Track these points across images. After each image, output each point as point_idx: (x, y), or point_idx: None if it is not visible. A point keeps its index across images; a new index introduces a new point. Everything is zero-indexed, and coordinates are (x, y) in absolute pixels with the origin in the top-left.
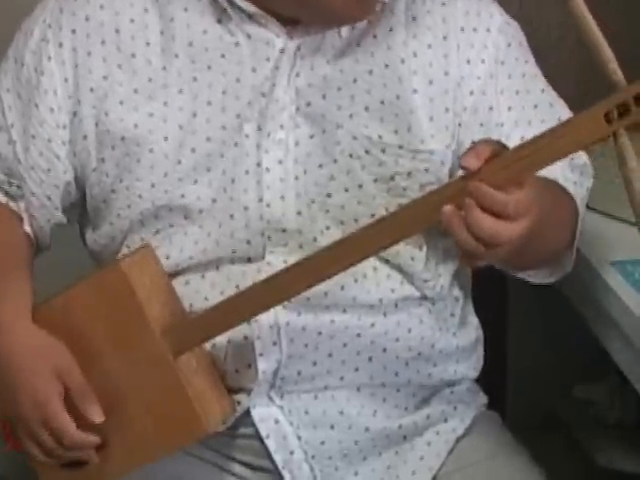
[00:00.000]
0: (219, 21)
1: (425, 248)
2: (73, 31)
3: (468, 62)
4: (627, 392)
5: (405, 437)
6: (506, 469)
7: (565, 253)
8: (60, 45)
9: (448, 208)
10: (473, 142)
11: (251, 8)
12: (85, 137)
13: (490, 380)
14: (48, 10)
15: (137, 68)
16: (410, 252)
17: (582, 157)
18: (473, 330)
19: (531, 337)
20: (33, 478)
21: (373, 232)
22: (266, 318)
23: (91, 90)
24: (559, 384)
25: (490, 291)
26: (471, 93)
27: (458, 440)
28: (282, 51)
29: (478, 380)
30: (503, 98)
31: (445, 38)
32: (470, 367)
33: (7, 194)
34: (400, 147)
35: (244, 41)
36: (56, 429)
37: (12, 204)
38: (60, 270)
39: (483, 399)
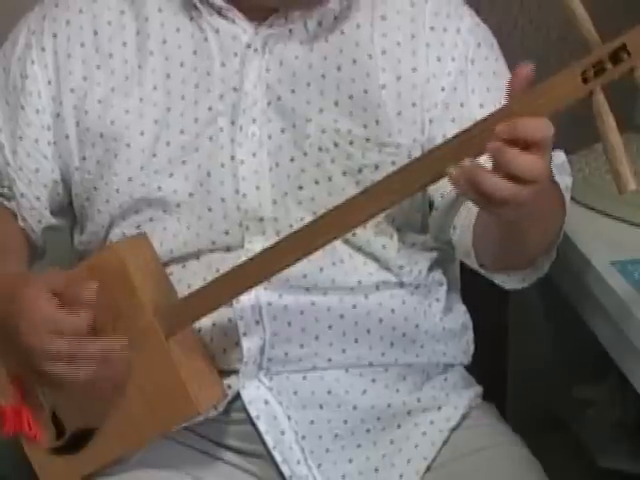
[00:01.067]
0: (191, 18)
1: (396, 236)
2: (54, 35)
3: (439, 59)
4: (627, 392)
5: (399, 425)
6: (502, 460)
7: (541, 258)
8: (42, 49)
9: (466, 162)
10: (444, 137)
11: (219, 2)
12: (67, 137)
13: (490, 380)
14: (32, 18)
15: (114, 68)
16: (381, 241)
17: (560, 156)
18: (460, 315)
19: (531, 337)
20: (33, 478)
21: (364, 198)
22: (247, 300)
23: (72, 91)
24: (559, 384)
25: (490, 291)
26: (442, 89)
27: (453, 430)
28: (248, 46)
29: (478, 380)
30: (474, 96)
31: (413, 36)
32: (459, 350)
33: (1, 194)
34: (367, 140)
35: (212, 36)
36: (66, 323)
37: (6, 203)
38: None
39: (478, 390)
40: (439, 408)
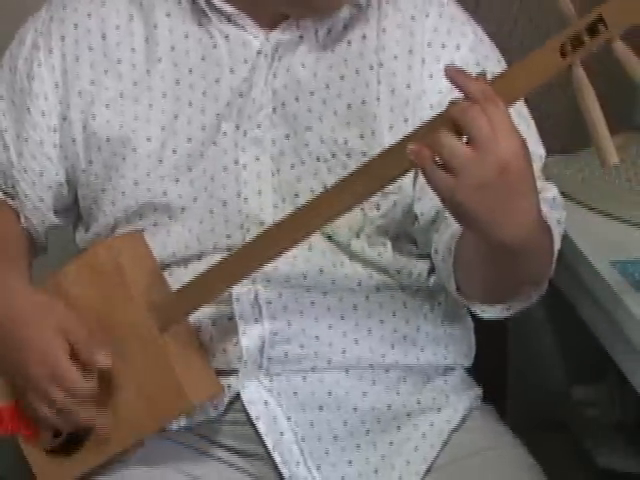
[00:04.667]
0: (199, 24)
1: (390, 245)
2: (62, 38)
3: (431, 76)
4: (627, 392)
5: (399, 427)
6: (501, 461)
7: (536, 285)
8: (50, 51)
9: (412, 145)
10: None
11: (229, 9)
12: (74, 140)
13: (490, 380)
14: (39, 19)
15: (123, 73)
16: (375, 250)
17: (552, 190)
18: (462, 318)
19: (531, 337)
20: (31, 478)
21: (346, 185)
22: (247, 299)
23: (79, 94)
24: (559, 384)
25: None
26: (430, 107)
27: (453, 432)
28: (259, 52)
29: (478, 380)
30: None
31: (410, 52)
32: (461, 353)
33: (5, 193)
34: (363, 154)
35: (222, 42)
36: (65, 380)
37: (10, 201)
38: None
39: (477, 391)
40: (439, 410)
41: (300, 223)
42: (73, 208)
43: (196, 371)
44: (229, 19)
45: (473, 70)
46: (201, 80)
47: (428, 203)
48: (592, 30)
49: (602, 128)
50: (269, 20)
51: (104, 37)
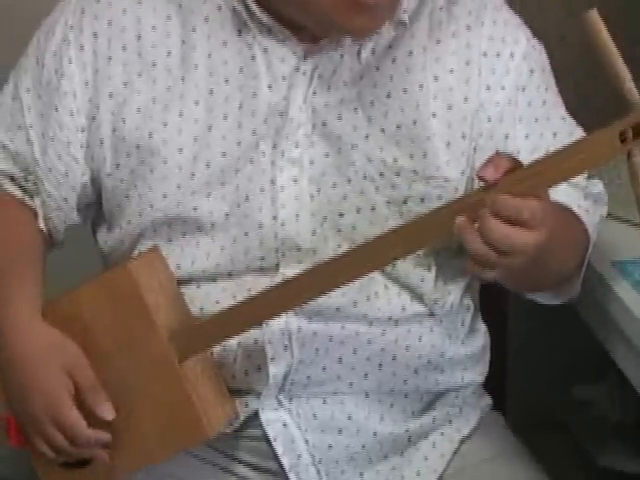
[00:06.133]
0: (239, 33)
1: (434, 269)
2: (95, 34)
3: (488, 88)
4: (627, 392)
5: (411, 439)
6: (509, 470)
7: (572, 279)
8: (81, 48)
9: (461, 219)
10: (489, 157)
11: (270, 21)
12: (102, 142)
13: (491, 380)
14: (70, 11)
15: (156, 77)
16: (420, 273)
17: (598, 185)
18: (481, 337)
19: (531, 337)
20: (34, 478)
21: (386, 241)
22: (277, 323)
23: (110, 96)
24: (559, 384)
25: (490, 291)
26: (489, 119)
27: (462, 441)
28: (297, 69)
29: None
30: (521, 126)
31: (468, 63)
32: (477, 373)
33: (23, 189)
34: (414, 172)
35: (260, 55)
36: (67, 427)
37: (28, 199)
38: (70, 270)
39: (487, 400)
40: (450, 422)
41: (344, 270)
42: (93, 206)
43: (212, 399)
44: (269, 31)
45: (527, 79)
46: (237, 92)
47: None
48: None
49: None
50: (310, 35)
51: (139, 37)
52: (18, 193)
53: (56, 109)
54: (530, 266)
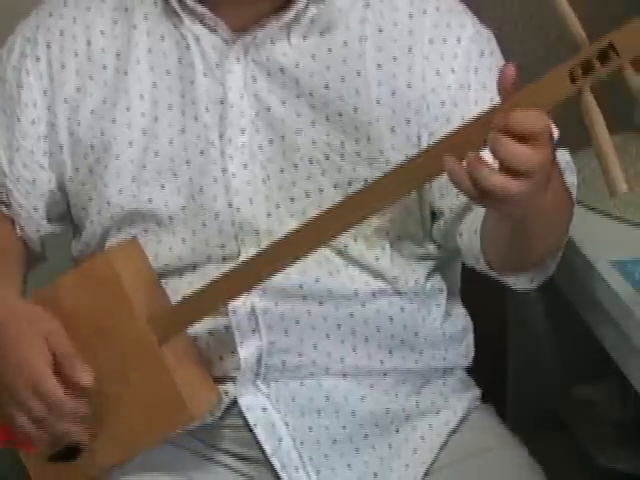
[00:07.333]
0: (174, 25)
1: (388, 248)
2: (48, 45)
3: (438, 73)
4: (627, 392)
5: (397, 429)
6: (500, 462)
7: (553, 254)
8: (37, 59)
9: (449, 157)
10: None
11: (200, 9)
12: (61, 147)
13: (490, 380)
14: (27, 26)
15: (107, 79)
16: (373, 253)
17: (565, 155)
18: (460, 319)
19: (531, 337)
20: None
21: (378, 186)
22: (243, 309)
23: (65, 101)
24: (559, 384)
25: (490, 291)
26: (442, 104)
27: (452, 433)
28: (227, 56)
29: (478, 380)
30: (477, 108)
31: (410, 50)
32: (460, 355)
33: (0, 201)
34: (358, 154)
35: (194, 44)
36: (45, 394)
37: (5, 209)
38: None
39: (476, 392)
40: (438, 412)
41: (314, 232)
42: (68, 216)
43: (196, 381)
44: (201, 21)
45: (478, 61)
46: (178, 83)
47: (454, 198)
48: (603, 57)
49: (611, 155)
50: (240, 22)
51: (89, 43)
52: None
53: (18, 120)
54: (534, 196)
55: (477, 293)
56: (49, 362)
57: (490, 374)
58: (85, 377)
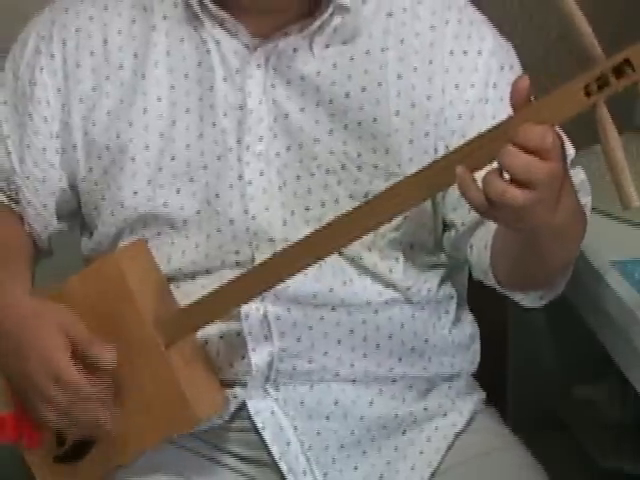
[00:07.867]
0: (195, 28)
1: (402, 259)
2: (63, 42)
3: (457, 87)
4: (627, 392)
5: (404, 431)
6: (504, 464)
7: (564, 271)
8: (52, 56)
9: (461, 167)
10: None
11: (222, 13)
12: (74, 147)
13: (490, 380)
14: (41, 23)
15: (124, 79)
16: (387, 264)
17: (579, 175)
18: (468, 325)
19: (531, 337)
20: (34, 478)
21: (380, 200)
22: (256, 314)
23: (80, 101)
24: (559, 384)
25: (490, 292)
26: (459, 117)
27: (457, 435)
28: (248, 62)
29: (479, 380)
30: (494, 122)
31: (431, 62)
32: (467, 361)
33: (9, 197)
34: (375, 167)
35: (214, 48)
36: (67, 382)
37: (14, 206)
38: (63, 277)
39: (481, 394)
40: (445, 414)
41: (325, 240)
42: (78, 213)
43: (202, 385)
44: (221, 24)
45: (497, 75)
46: (197, 86)
47: (466, 212)
48: (618, 72)
49: (624, 169)
50: (261, 29)
51: (105, 42)
52: (4, 199)
53: (31, 117)
54: (543, 210)
55: (477, 293)
56: (68, 350)
57: (490, 374)
58: (107, 355)
